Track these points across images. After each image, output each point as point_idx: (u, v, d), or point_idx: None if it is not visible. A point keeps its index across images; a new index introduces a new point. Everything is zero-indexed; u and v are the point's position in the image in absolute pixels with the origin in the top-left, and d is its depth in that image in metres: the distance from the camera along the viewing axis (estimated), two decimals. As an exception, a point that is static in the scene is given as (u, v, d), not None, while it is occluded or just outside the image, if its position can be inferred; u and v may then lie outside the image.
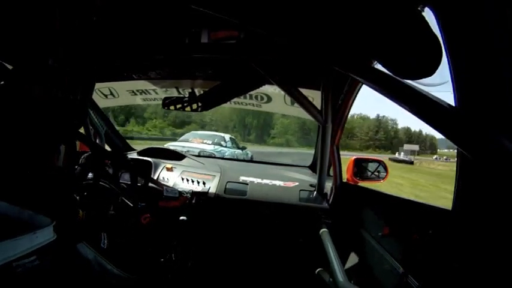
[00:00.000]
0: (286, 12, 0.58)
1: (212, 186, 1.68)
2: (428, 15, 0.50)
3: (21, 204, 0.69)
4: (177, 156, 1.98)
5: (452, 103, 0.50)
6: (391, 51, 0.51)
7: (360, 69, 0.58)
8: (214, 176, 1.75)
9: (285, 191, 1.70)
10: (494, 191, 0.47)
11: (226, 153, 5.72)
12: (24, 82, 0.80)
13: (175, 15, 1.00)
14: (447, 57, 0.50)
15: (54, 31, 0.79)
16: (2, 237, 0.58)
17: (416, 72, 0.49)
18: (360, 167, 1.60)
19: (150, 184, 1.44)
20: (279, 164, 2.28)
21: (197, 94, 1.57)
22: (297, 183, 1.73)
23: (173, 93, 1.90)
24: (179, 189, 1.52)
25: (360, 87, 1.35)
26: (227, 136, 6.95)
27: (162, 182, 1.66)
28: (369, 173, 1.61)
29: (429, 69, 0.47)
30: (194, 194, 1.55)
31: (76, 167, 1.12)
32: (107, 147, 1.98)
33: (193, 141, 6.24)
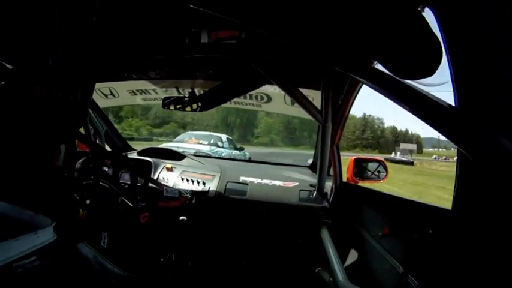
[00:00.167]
0: (286, 12, 0.58)
1: (212, 186, 1.68)
2: (428, 15, 0.50)
3: (22, 204, 0.69)
4: (177, 156, 1.98)
5: (452, 103, 0.50)
6: (392, 51, 0.51)
7: (360, 69, 0.58)
8: (214, 176, 1.75)
9: (285, 191, 1.70)
10: (494, 191, 0.47)
11: (223, 154, 5.50)
12: (24, 82, 0.80)
13: (175, 15, 1.00)
14: (447, 57, 0.50)
15: (54, 31, 0.79)
16: (2, 238, 0.58)
17: (416, 72, 0.49)
18: (359, 167, 1.60)
19: (150, 184, 1.44)
20: (279, 164, 2.28)
21: (197, 94, 1.57)
22: (297, 183, 1.73)
23: (173, 93, 1.90)
24: (179, 189, 1.52)
25: (360, 87, 1.35)
26: (224, 136, 6.75)
27: (162, 182, 1.66)
28: (369, 173, 1.61)
29: (429, 69, 0.47)
30: (194, 194, 1.55)
31: (76, 167, 1.12)
32: (107, 147, 1.98)
33: (188, 142, 6.04)
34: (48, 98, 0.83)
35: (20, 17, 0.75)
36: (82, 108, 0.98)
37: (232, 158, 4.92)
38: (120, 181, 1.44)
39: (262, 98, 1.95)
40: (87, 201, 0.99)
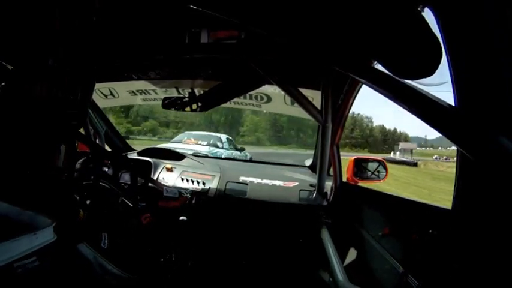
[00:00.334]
0: (286, 12, 0.58)
1: (212, 187, 1.68)
2: (428, 15, 0.50)
3: (22, 204, 0.69)
4: (177, 156, 1.98)
5: (452, 103, 0.50)
6: (391, 51, 0.51)
7: (360, 69, 0.58)
8: (214, 176, 1.75)
9: (285, 191, 1.70)
10: (494, 191, 0.47)
11: (223, 155, 5.34)
12: (24, 82, 0.80)
13: (175, 15, 1.00)
14: (447, 57, 0.50)
15: (54, 31, 0.79)
16: (2, 238, 0.58)
17: (416, 72, 0.49)
18: (359, 166, 1.60)
19: (150, 184, 1.44)
20: (279, 164, 2.28)
21: (197, 94, 1.57)
22: (296, 183, 1.73)
23: (173, 93, 1.90)
24: (179, 190, 1.52)
25: (360, 87, 1.35)
26: (224, 136, 6.60)
27: (162, 182, 1.66)
28: (369, 173, 1.61)
29: (429, 69, 0.47)
30: (194, 194, 1.55)
31: (76, 167, 1.12)
32: (107, 148, 1.98)
33: (187, 142, 5.87)
34: (48, 98, 0.83)
35: (20, 17, 0.75)
36: (82, 108, 0.98)
37: (233, 158, 4.84)
38: (120, 181, 1.44)
39: (262, 98, 1.95)
40: (87, 202, 0.99)
